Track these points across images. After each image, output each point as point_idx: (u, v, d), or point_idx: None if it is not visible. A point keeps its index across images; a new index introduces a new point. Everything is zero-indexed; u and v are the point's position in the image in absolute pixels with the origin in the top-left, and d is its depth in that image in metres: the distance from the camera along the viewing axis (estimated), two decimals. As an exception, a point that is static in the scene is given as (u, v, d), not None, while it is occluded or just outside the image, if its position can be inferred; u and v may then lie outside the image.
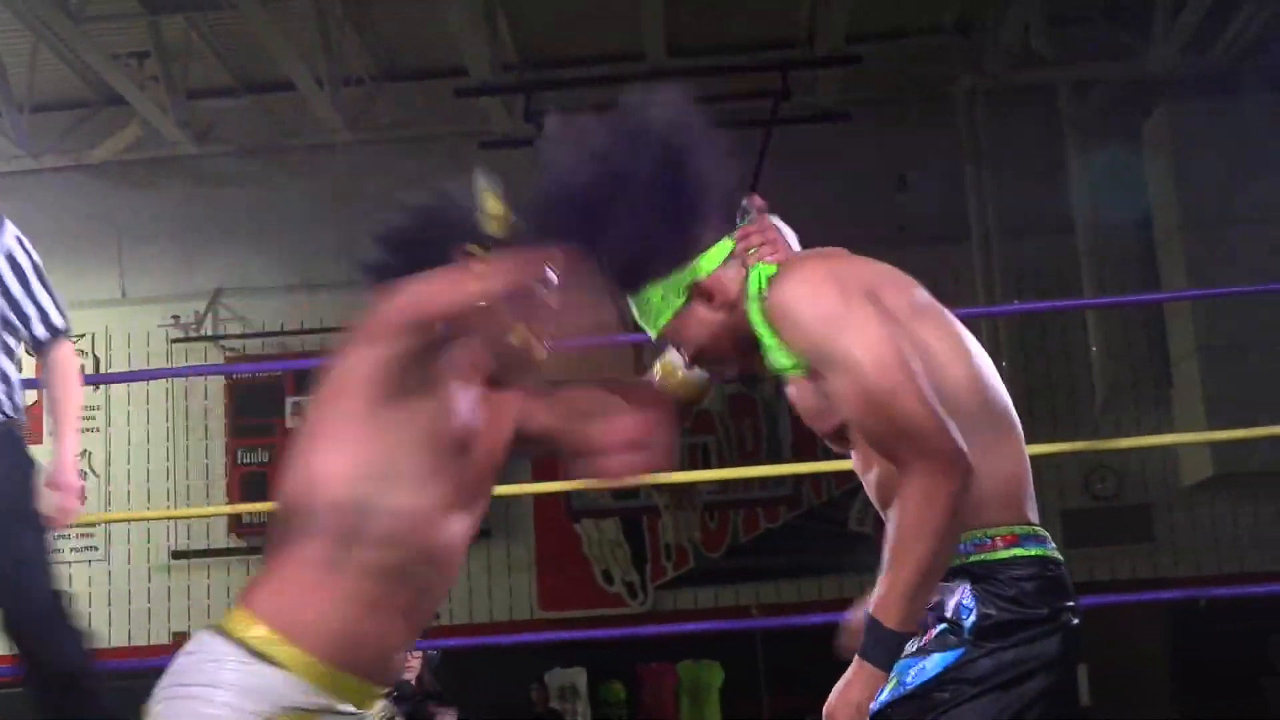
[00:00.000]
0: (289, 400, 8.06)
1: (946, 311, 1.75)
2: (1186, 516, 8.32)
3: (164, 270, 8.72)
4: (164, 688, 1.60)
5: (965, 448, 1.57)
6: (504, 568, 8.28)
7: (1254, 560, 7.88)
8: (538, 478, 7.85)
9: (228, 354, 8.21)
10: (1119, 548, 8.19)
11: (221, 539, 7.92)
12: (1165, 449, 8.06)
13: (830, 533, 7.90)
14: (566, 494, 8.10)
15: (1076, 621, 1.67)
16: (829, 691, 1.68)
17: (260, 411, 8.11)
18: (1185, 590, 7.59)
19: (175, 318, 8.45)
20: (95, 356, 8.48)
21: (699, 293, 1.71)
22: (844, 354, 1.59)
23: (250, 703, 1.58)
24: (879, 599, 1.60)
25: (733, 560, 8.03)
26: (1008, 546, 1.66)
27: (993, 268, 8.26)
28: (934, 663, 1.63)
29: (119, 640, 8.09)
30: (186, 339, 8.37)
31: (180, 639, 8.00)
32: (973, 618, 1.63)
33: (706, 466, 7.92)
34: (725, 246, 1.72)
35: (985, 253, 8.23)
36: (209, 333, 8.15)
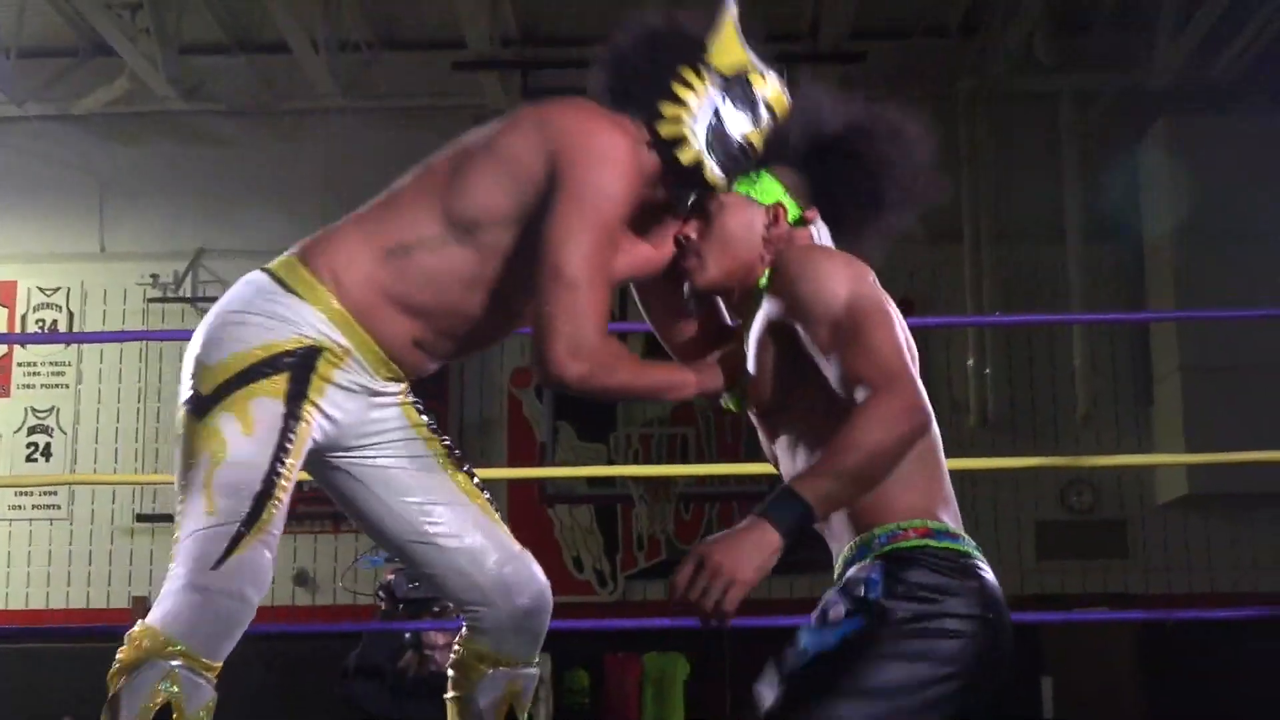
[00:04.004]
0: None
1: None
2: (1160, 533, 8.42)
3: (145, 227, 8.64)
4: (216, 314, 1.96)
5: (927, 408, 1.69)
6: (475, 549, 8.22)
7: (1224, 580, 8.06)
8: (512, 463, 8.29)
9: (206, 317, 8.37)
10: (1092, 561, 8.27)
11: (188, 504, 8.03)
12: (1143, 464, 8.18)
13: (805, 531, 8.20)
14: (540, 480, 8.30)
15: (992, 625, 1.70)
16: None
17: (235, 378, 8.27)
18: (1154, 611, 7.83)
19: (154, 276, 8.37)
20: (70, 311, 8.51)
21: (774, 213, 1.89)
22: (836, 294, 1.74)
23: (285, 327, 1.92)
24: (805, 473, 1.65)
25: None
26: (919, 538, 1.72)
27: (982, 272, 8.34)
28: (834, 634, 1.67)
29: (77, 602, 8.11)
30: (165, 299, 8.31)
31: (141, 603, 7.78)
32: (878, 591, 1.67)
33: (685, 458, 8.13)
34: (795, 211, 1.91)
35: (976, 256, 8.29)
36: (188, 294, 8.20)
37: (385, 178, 2.18)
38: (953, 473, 1.98)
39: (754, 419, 1.92)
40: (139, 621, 1.88)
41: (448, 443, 2.16)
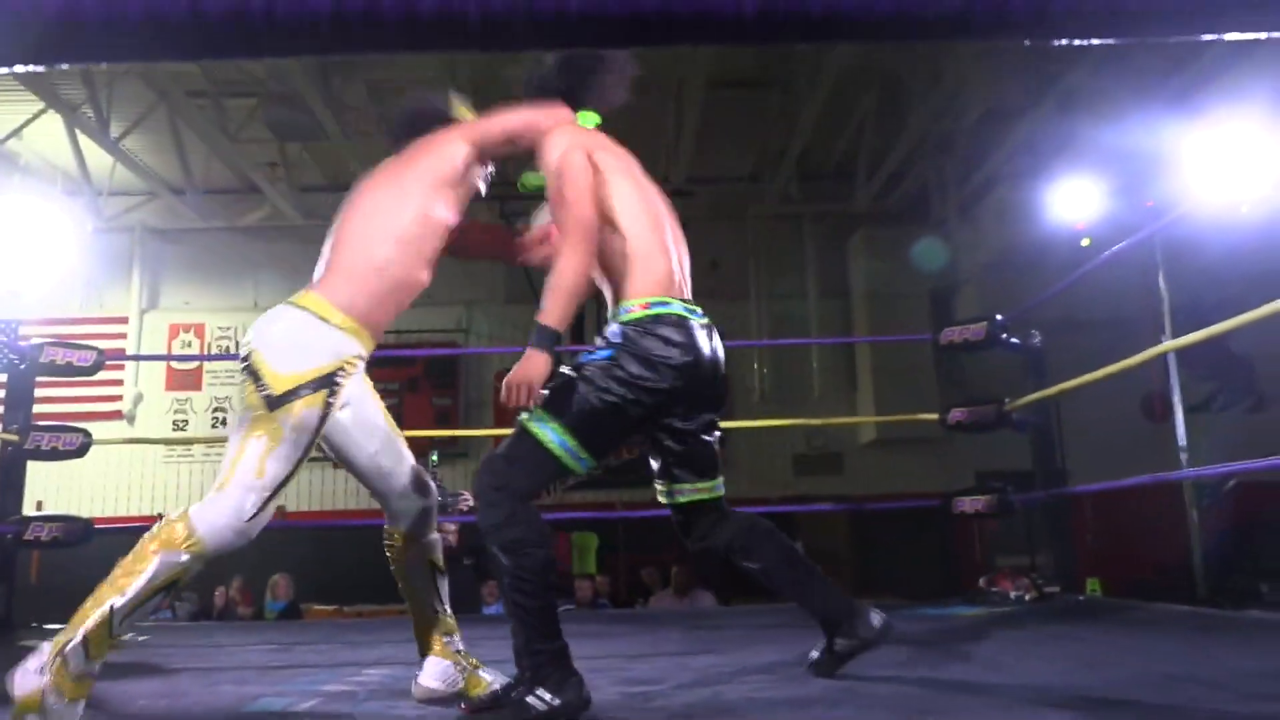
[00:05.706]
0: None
1: (639, 171, 2.45)
2: (861, 461, 10.31)
3: (280, 291, 6.65)
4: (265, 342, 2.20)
5: (592, 241, 2.12)
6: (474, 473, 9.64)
7: (894, 487, 9.44)
8: (497, 426, 9.63)
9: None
10: (824, 477, 10.24)
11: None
12: (851, 423, 10.13)
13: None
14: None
15: (689, 361, 2.15)
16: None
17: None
18: (856, 505, 9.64)
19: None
20: (236, 340, 10.14)
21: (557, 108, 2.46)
22: (558, 172, 2.27)
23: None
24: (544, 312, 2.09)
25: (607, 475, 6.59)
26: (644, 310, 2.21)
27: (762, 317, 10.53)
28: (588, 356, 2.17)
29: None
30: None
31: (280, 509, 9.90)
32: (617, 334, 2.17)
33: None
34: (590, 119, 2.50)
35: (758, 305, 10.60)
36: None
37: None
38: (746, 428, 3.58)
39: None
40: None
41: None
